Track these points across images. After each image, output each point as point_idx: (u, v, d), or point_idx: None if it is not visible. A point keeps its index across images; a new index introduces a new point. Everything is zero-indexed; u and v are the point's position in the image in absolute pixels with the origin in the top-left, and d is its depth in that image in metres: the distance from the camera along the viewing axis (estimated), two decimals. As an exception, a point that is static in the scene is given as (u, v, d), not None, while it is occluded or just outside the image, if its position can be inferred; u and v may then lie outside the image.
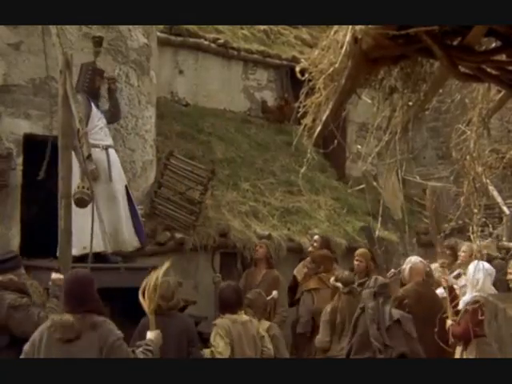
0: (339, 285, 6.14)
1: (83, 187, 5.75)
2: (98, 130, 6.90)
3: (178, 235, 7.79)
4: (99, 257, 6.74)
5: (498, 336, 3.43)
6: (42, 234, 6.84)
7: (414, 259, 6.58)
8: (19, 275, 4.58)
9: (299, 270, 7.43)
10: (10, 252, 4.88)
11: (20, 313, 4.35)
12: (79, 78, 6.96)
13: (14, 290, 4.46)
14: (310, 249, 7.77)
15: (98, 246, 6.62)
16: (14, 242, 6.60)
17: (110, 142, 7.05)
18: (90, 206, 6.50)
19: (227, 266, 8.19)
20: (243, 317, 5.39)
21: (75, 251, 6.59)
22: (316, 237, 7.90)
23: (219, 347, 5.14)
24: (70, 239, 5.87)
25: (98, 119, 6.93)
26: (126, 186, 7.11)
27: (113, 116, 7.33)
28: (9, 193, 6.63)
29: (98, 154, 6.73)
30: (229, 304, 5.39)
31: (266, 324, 5.77)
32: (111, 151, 6.97)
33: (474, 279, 5.75)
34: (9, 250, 4.93)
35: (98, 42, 6.98)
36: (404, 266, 6.52)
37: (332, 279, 6.36)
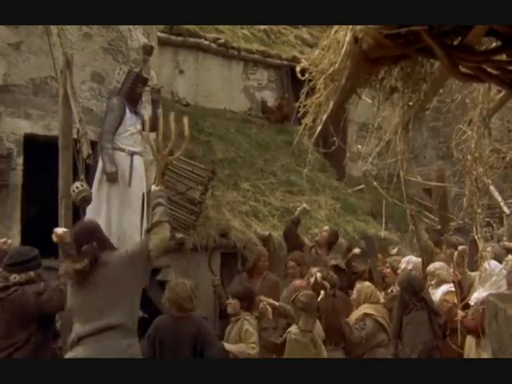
0: (327, 285, 6.01)
1: (82, 186, 5.76)
2: (128, 135, 6.99)
3: (179, 235, 7.79)
4: None
5: (498, 336, 3.43)
6: (42, 233, 6.84)
7: (414, 259, 6.59)
8: (36, 274, 4.64)
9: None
10: (31, 249, 4.85)
11: (46, 293, 4.50)
12: (124, 81, 7.17)
13: (32, 284, 4.58)
14: (317, 238, 7.90)
15: None
16: (15, 241, 6.59)
17: (138, 149, 7.09)
18: (102, 209, 6.60)
19: (227, 266, 8.19)
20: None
21: None
22: (326, 227, 8.03)
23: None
24: (69, 239, 5.88)
25: (130, 124, 7.01)
26: (144, 194, 7.10)
27: (154, 125, 7.39)
28: (9, 193, 6.63)
29: (122, 158, 6.85)
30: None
31: (319, 327, 5.61)
32: (136, 158, 7.02)
33: (490, 277, 5.81)
34: (30, 247, 4.91)
35: (148, 50, 7.27)
36: (403, 266, 6.51)
37: (319, 275, 6.08)
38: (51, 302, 4.50)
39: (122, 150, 6.87)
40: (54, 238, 4.79)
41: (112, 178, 6.72)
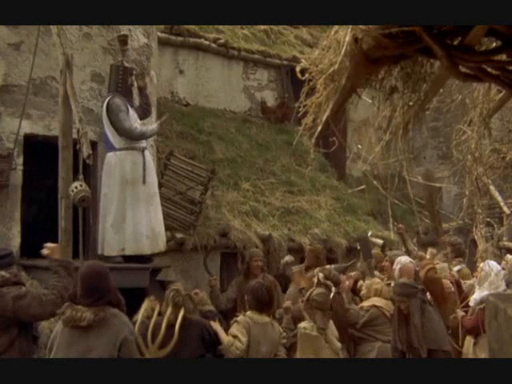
0: (330, 284, 6.00)
1: (81, 186, 5.75)
2: None
3: (179, 235, 7.80)
4: (105, 256, 6.79)
5: (498, 336, 3.42)
6: (42, 234, 6.83)
7: (403, 259, 6.56)
8: (11, 273, 4.55)
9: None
10: (3, 249, 4.82)
11: (25, 299, 4.35)
12: (110, 79, 7.03)
13: (11, 285, 4.44)
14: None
15: (138, 249, 6.74)
16: (14, 242, 6.60)
17: (145, 143, 7.05)
18: (128, 211, 6.63)
19: (228, 266, 8.19)
20: (264, 318, 5.33)
21: (111, 251, 6.67)
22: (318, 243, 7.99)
23: (241, 340, 5.12)
24: (69, 239, 5.89)
25: (134, 121, 6.94)
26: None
27: (144, 112, 7.31)
28: (9, 193, 6.62)
29: (135, 156, 6.83)
30: (260, 304, 5.33)
31: (333, 326, 5.61)
32: (147, 153, 7.00)
33: (489, 278, 5.80)
34: (2, 247, 4.87)
35: (122, 40, 7.07)
36: (394, 266, 6.51)
37: (321, 275, 6.00)
38: (29, 309, 4.32)
39: (134, 149, 6.84)
40: (45, 252, 4.70)
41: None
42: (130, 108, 6.94)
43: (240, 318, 5.31)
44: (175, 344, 4.70)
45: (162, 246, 6.97)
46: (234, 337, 5.10)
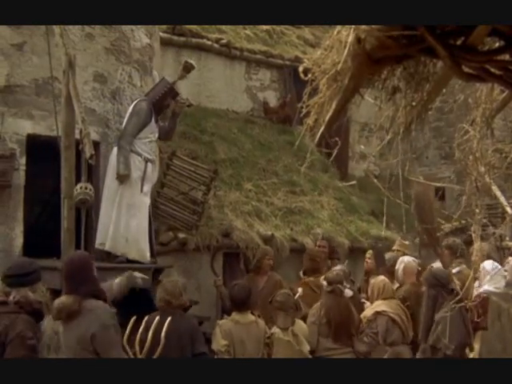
0: (324, 283, 6.04)
1: (86, 188, 5.78)
2: (147, 142, 7.06)
3: (181, 235, 7.80)
4: (108, 256, 6.80)
5: (501, 336, 3.42)
6: (44, 234, 6.84)
7: (406, 259, 6.56)
8: (35, 290, 4.41)
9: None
10: (31, 263, 4.52)
11: (17, 349, 4.09)
12: (154, 88, 7.28)
13: (29, 312, 4.25)
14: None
15: (116, 248, 6.78)
16: (17, 242, 6.61)
17: (152, 157, 7.14)
18: (113, 209, 6.68)
19: (230, 266, 8.19)
20: (248, 317, 5.40)
21: (97, 244, 6.78)
22: (323, 242, 8.03)
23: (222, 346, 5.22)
24: (72, 239, 5.90)
25: (151, 132, 7.08)
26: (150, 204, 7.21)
27: (167, 135, 7.55)
28: (12, 193, 6.63)
29: (138, 162, 6.92)
30: (235, 303, 5.44)
31: (302, 324, 5.72)
32: (149, 165, 7.05)
33: (492, 276, 5.79)
34: (29, 260, 4.64)
35: (187, 67, 7.36)
36: (397, 266, 6.50)
37: (322, 278, 6.27)
38: (9, 354, 4.07)
39: (139, 155, 6.93)
40: None
41: (122, 179, 6.75)
42: (153, 120, 7.09)
43: (222, 321, 5.44)
44: (161, 351, 4.68)
45: (136, 255, 6.86)
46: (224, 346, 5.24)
